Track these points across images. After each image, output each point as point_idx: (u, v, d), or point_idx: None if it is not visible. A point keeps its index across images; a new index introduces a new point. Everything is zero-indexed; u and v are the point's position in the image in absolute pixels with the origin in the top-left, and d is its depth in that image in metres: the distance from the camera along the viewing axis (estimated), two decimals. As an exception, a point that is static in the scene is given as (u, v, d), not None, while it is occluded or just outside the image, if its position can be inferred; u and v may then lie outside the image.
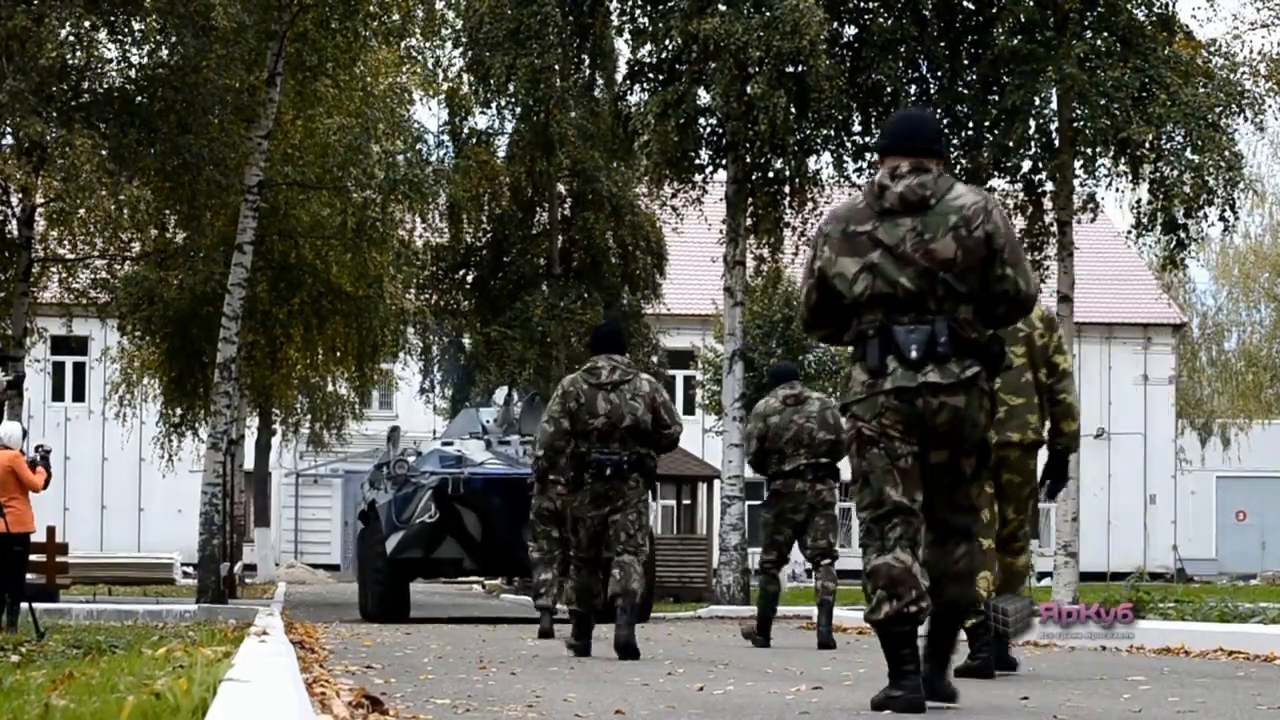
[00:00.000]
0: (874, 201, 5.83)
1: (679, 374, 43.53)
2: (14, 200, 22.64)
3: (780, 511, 11.84)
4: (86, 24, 20.04)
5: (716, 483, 28.01)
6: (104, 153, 19.79)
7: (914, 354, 5.69)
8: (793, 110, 20.83)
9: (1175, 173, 20.19)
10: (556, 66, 24.93)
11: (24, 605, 13.72)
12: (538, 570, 14.37)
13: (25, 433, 16.41)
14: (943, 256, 5.72)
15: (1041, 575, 31.10)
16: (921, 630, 5.77)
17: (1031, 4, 20.31)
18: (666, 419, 10.28)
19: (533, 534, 14.41)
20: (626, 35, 23.35)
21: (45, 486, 15.24)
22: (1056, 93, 20.41)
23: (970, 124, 21.16)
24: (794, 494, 11.79)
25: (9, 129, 20.00)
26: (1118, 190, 21.33)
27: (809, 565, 12.44)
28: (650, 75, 22.47)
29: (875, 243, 5.77)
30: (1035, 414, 8.13)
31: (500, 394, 20.48)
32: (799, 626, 15.78)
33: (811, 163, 22.36)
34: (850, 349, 5.92)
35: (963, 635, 8.54)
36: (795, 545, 12.21)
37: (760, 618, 12.14)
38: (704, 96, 21.65)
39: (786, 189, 22.55)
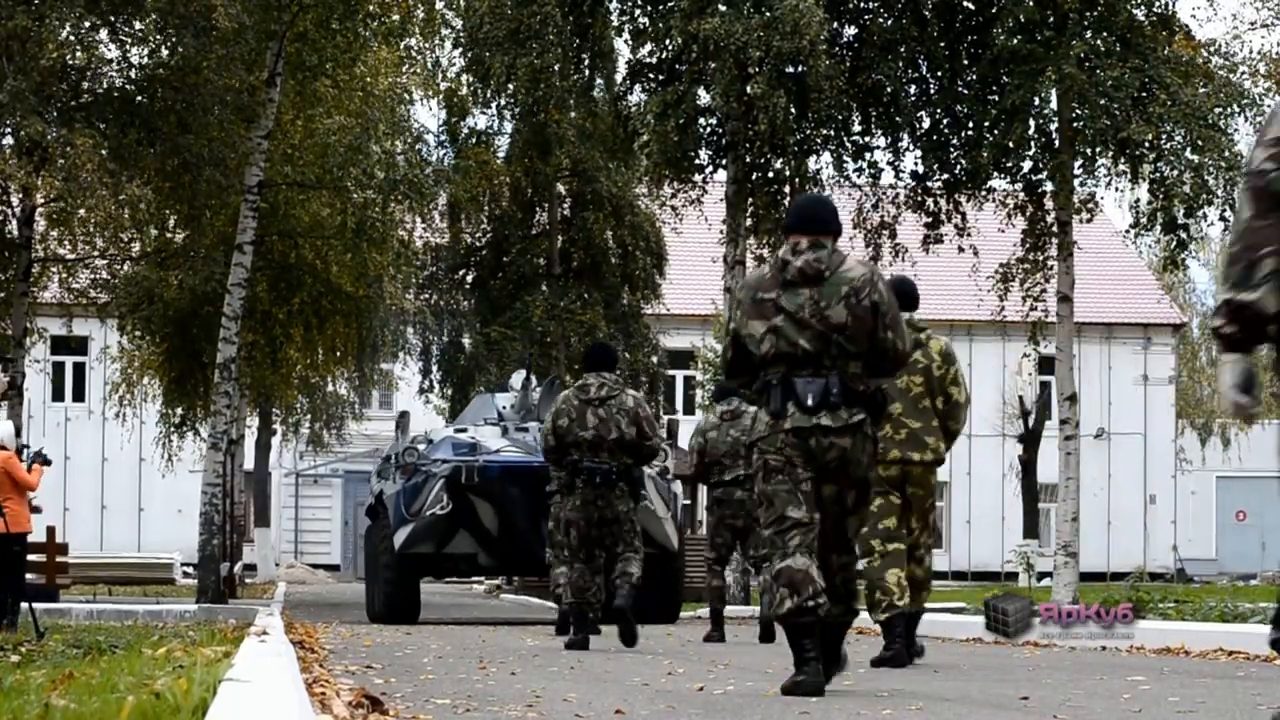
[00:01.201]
0: (778, 274, 6.82)
1: (679, 374, 43.47)
2: (14, 200, 22.64)
3: (720, 518, 12.98)
4: (87, 24, 20.02)
5: (716, 483, 27.94)
6: (104, 153, 19.77)
7: (810, 401, 6.67)
8: (793, 110, 20.80)
9: (1175, 172, 20.17)
10: (556, 66, 24.90)
11: (24, 605, 13.71)
12: (557, 574, 14.29)
13: (19, 431, 16.38)
14: (836, 321, 6.71)
15: (1041, 575, 31.08)
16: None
17: (1031, 4, 20.28)
18: (648, 432, 11.16)
19: (551, 540, 14.32)
20: (626, 35, 23.31)
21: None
22: (1056, 93, 20.38)
23: (970, 124, 21.14)
24: (733, 502, 12.88)
25: (9, 129, 19.98)
26: (1117, 190, 21.33)
27: (750, 568, 13.19)
28: (650, 75, 22.45)
29: (778, 308, 6.76)
30: (934, 435, 9.13)
31: (517, 378, 18.80)
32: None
33: (811, 163, 22.31)
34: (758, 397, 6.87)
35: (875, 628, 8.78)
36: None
37: (712, 612, 13.16)
38: (704, 96, 21.62)
39: (786, 189, 22.50)
